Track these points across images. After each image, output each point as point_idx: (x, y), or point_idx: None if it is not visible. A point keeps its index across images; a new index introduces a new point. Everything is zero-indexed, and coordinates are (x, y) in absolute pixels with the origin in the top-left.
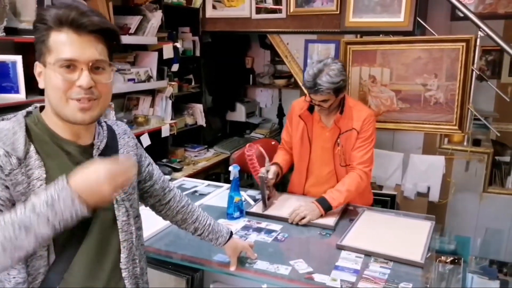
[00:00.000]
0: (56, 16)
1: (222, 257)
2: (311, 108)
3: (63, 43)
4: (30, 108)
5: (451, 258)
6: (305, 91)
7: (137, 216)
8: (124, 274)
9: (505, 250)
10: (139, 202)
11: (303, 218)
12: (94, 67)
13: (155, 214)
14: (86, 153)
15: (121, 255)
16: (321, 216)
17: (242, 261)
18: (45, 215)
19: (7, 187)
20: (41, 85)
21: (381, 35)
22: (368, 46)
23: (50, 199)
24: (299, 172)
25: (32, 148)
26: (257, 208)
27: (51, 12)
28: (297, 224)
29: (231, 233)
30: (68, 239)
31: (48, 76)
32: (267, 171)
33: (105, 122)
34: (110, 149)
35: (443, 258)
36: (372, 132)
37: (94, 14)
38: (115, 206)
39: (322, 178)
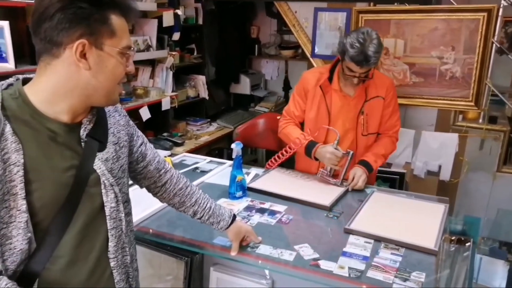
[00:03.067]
0: None
1: (223, 240)
2: (329, 78)
3: (124, 29)
4: (10, 80)
5: (460, 238)
6: (347, 64)
7: (127, 201)
8: (112, 263)
9: None
10: (136, 184)
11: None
12: None
13: None
14: (74, 132)
15: (110, 243)
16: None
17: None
18: None
19: None
20: (84, 66)
21: (396, 4)
22: (382, 15)
23: None
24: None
25: (8, 128)
26: (308, 197)
27: None
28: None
29: (234, 216)
30: (51, 226)
31: (108, 60)
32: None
33: None
34: (99, 128)
35: (451, 237)
36: (396, 97)
37: (135, 1)
38: (103, 191)
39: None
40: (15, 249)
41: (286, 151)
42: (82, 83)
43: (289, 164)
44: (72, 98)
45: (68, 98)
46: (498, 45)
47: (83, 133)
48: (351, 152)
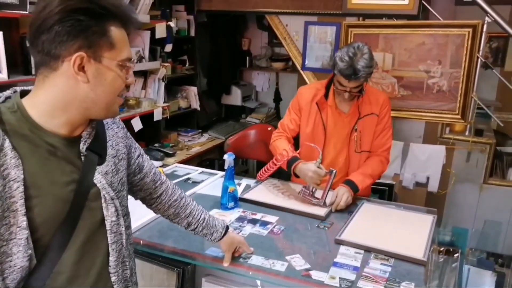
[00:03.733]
0: (119, 7)
1: (215, 251)
2: (325, 95)
3: (124, 41)
4: (7, 93)
5: (448, 249)
6: (337, 79)
7: (126, 214)
8: (113, 278)
9: (503, 242)
10: (131, 195)
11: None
12: None
13: None
14: (73, 146)
15: (110, 258)
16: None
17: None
18: None
19: None
20: (82, 80)
21: (384, 19)
22: (370, 29)
23: None
24: (310, 161)
25: (7, 143)
26: (300, 207)
27: (105, 1)
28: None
29: (227, 228)
30: (52, 242)
31: (105, 73)
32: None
33: None
34: (98, 141)
35: (440, 248)
36: (390, 116)
37: (134, 11)
38: (104, 205)
39: (336, 165)
40: (15, 266)
41: (274, 163)
42: (80, 96)
43: (286, 176)
44: (71, 111)
45: (67, 111)
46: (483, 60)
47: (83, 146)
48: (334, 171)
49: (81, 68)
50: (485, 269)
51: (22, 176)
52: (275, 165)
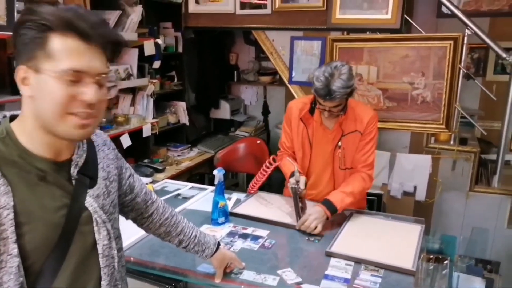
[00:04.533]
0: (63, 18)
1: (206, 267)
2: (311, 110)
3: (70, 52)
4: None
5: (437, 257)
6: (318, 99)
7: (118, 237)
8: None
9: (490, 249)
10: (122, 215)
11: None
12: (99, 82)
13: None
14: (63, 170)
15: (102, 282)
16: (327, 219)
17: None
18: None
19: None
20: (26, 93)
21: (368, 32)
22: (355, 43)
23: None
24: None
25: None
26: (291, 220)
27: (51, 11)
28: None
29: (218, 244)
30: (44, 269)
31: (45, 85)
32: (297, 182)
33: None
34: (89, 164)
35: (429, 256)
36: (375, 134)
37: (104, 23)
38: (95, 229)
39: (321, 181)
40: None
41: (262, 174)
42: (34, 113)
43: (276, 189)
44: (41, 131)
45: (39, 131)
46: (465, 71)
47: (73, 170)
48: (294, 187)
49: (24, 81)
50: (475, 276)
51: (12, 203)
52: (264, 175)
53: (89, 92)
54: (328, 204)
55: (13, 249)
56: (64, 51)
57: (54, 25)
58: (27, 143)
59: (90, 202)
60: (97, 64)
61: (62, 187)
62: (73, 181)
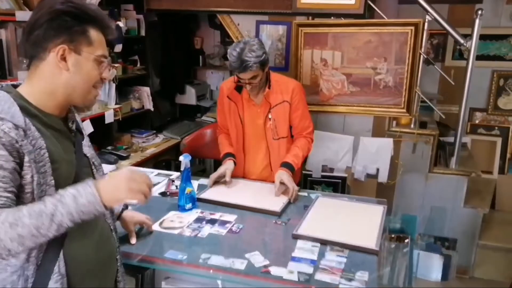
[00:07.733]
0: (99, 16)
1: (174, 253)
2: (238, 88)
3: (101, 42)
4: (4, 87)
5: (398, 236)
6: (236, 74)
7: None
8: (112, 227)
9: (448, 227)
10: None
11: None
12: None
13: None
14: (65, 124)
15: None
16: None
17: (196, 256)
18: (69, 205)
19: (19, 161)
20: (64, 67)
21: (332, 18)
22: (320, 28)
23: (75, 192)
24: (236, 153)
25: (27, 120)
26: (258, 204)
27: (89, 7)
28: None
29: (126, 207)
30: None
31: (83, 64)
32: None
33: None
34: (77, 122)
35: (391, 236)
36: (304, 100)
37: (113, 24)
38: (94, 170)
39: (258, 155)
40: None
41: None
42: (62, 83)
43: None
44: (58, 96)
45: (54, 96)
46: (425, 56)
47: (71, 125)
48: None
49: (63, 58)
50: (433, 253)
51: (44, 144)
52: None
53: (107, 72)
54: (287, 165)
55: (51, 180)
56: (98, 41)
57: (92, 20)
58: (37, 104)
59: (86, 149)
60: (107, 51)
61: (67, 137)
62: (72, 134)
